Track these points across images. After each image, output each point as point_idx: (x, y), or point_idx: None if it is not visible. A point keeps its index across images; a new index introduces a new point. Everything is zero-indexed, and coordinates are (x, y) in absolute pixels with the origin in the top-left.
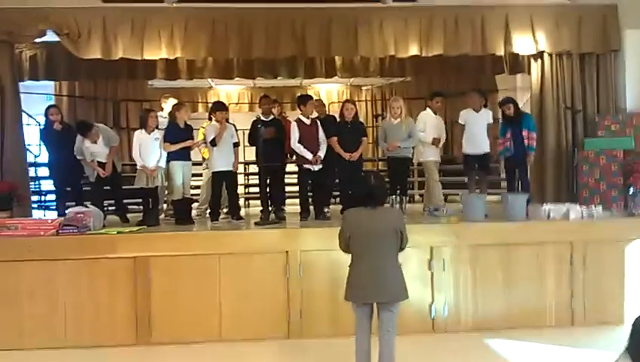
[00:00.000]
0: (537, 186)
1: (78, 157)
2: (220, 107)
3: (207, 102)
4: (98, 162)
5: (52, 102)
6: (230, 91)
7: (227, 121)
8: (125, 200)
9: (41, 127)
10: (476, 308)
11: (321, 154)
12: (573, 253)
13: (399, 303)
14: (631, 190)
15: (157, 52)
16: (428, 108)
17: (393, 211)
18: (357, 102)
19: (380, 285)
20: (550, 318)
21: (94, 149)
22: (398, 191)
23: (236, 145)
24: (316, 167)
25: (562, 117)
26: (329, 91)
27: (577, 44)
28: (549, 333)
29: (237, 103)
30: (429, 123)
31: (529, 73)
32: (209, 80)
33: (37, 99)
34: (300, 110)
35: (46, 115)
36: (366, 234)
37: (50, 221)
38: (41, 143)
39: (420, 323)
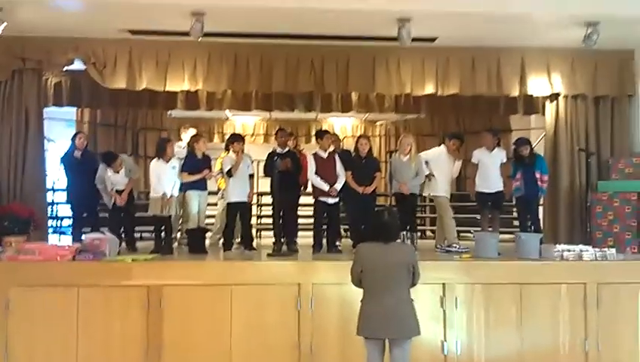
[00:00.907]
0: (550, 227)
1: (98, 186)
2: (237, 138)
3: (223, 133)
4: (116, 190)
5: (74, 129)
6: (246, 122)
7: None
8: (137, 229)
9: (63, 152)
10: (489, 346)
11: (338, 186)
12: (586, 294)
13: (411, 339)
14: None
15: (180, 84)
16: (443, 146)
17: (405, 247)
18: (370, 138)
19: (391, 320)
20: (564, 359)
21: (115, 179)
22: (408, 228)
23: (251, 176)
24: (331, 200)
25: (576, 159)
26: (343, 126)
27: (592, 88)
28: None
29: (252, 135)
30: (441, 159)
31: (543, 114)
32: (226, 111)
33: (57, 124)
34: (318, 144)
35: (72, 140)
36: (378, 268)
37: (66, 247)
38: (62, 167)
39: (432, 360)
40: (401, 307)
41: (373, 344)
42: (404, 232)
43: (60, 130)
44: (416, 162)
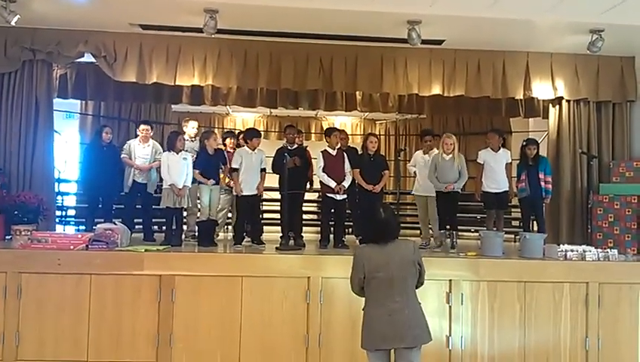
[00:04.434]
0: (552, 227)
1: (122, 156)
2: (255, 134)
3: (223, 128)
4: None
5: (75, 120)
6: (246, 118)
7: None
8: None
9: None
10: (492, 342)
11: (346, 184)
12: (588, 293)
13: (420, 348)
14: None
15: (189, 79)
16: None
17: (408, 244)
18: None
19: (400, 329)
20: (565, 357)
21: (139, 151)
22: (448, 226)
23: (264, 170)
24: (339, 197)
25: (578, 161)
26: (343, 123)
27: (595, 93)
28: None
29: None
30: (418, 162)
31: (545, 118)
32: (227, 107)
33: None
34: (327, 141)
35: (99, 132)
36: (381, 273)
37: (80, 236)
38: (84, 157)
39: (437, 355)
40: (408, 312)
41: (378, 355)
42: (444, 231)
43: (59, 122)
44: (458, 161)
